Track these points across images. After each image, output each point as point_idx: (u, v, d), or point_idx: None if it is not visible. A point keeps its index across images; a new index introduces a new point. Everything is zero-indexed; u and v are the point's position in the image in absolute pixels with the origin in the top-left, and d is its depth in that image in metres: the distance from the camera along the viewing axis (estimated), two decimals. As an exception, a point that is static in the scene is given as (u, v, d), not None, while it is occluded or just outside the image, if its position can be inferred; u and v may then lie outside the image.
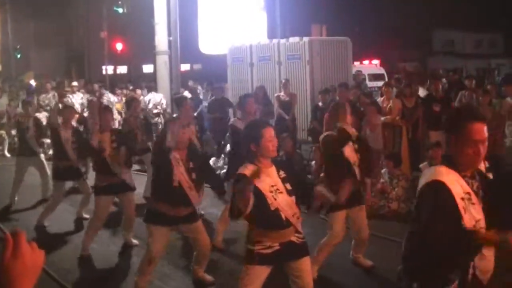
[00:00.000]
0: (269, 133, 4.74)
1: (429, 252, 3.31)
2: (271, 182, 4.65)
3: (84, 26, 41.30)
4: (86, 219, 9.35)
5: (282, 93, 14.30)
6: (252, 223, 4.72)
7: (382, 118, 11.46)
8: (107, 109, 8.47)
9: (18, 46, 38.72)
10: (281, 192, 4.65)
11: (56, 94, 18.69)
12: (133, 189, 8.00)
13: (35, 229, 9.11)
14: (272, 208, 4.61)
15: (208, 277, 6.67)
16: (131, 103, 10.69)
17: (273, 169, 4.73)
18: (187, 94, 18.43)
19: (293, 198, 4.73)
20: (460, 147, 3.41)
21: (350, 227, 6.95)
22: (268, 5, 22.68)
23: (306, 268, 4.90)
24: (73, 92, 18.29)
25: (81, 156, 9.57)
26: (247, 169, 4.55)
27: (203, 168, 6.38)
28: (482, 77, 20.38)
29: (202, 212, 8.94)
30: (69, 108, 10.81)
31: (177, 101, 10.34)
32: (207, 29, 21.10)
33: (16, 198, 10.85)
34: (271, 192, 4.63)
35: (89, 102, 14.57)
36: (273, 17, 22.94)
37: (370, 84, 21.60)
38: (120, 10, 28.76)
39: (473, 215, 3.33)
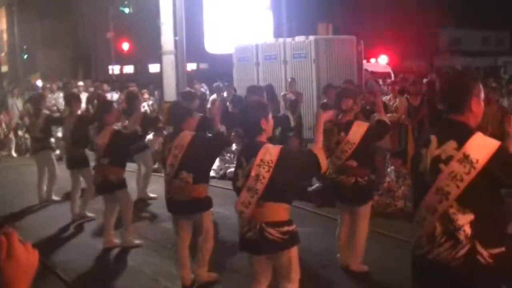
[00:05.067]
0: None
1: None
2: None
3: (90, 27, 41.40)
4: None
5: (288, 92, 14.24)
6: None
7: (388, 115, 11.37)
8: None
9: (25, 47, 38.83)
10: None
11: (62, 94, 18.81)
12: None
13: (42, 229, 9.13)
14: None
15: (213, 275, 6.54)
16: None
17: None
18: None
19: None
20: None
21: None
22: (274, 4, 22.62)
23: None
24: (79, 92, 18.36)
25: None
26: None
27: None
28: (488, 75, 20.27)
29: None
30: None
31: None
32: (213, 29, 21.10)
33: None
34: None
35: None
36: (279, 16, 22.90)
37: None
38: (126, 10, 28.74)
39: None
